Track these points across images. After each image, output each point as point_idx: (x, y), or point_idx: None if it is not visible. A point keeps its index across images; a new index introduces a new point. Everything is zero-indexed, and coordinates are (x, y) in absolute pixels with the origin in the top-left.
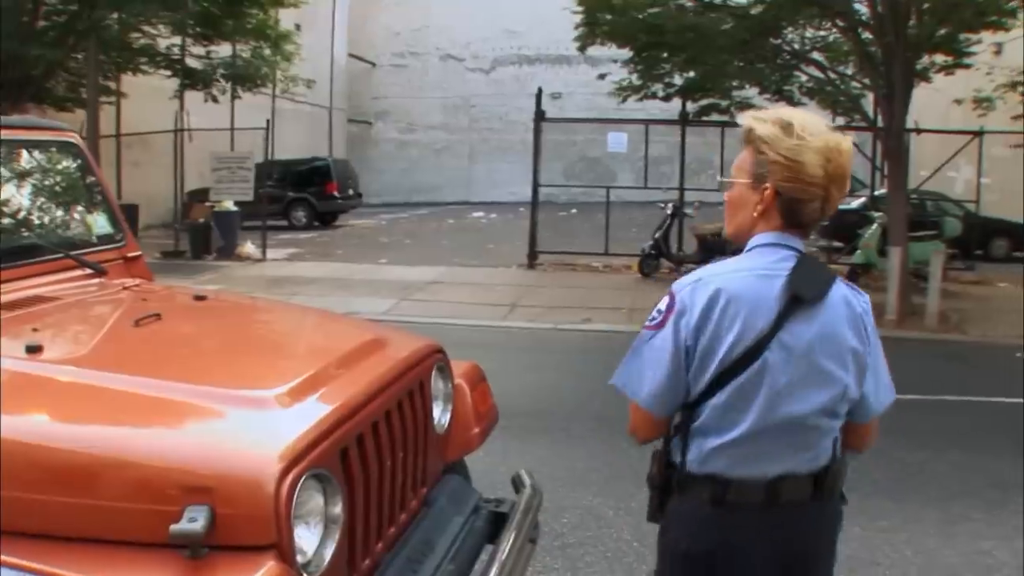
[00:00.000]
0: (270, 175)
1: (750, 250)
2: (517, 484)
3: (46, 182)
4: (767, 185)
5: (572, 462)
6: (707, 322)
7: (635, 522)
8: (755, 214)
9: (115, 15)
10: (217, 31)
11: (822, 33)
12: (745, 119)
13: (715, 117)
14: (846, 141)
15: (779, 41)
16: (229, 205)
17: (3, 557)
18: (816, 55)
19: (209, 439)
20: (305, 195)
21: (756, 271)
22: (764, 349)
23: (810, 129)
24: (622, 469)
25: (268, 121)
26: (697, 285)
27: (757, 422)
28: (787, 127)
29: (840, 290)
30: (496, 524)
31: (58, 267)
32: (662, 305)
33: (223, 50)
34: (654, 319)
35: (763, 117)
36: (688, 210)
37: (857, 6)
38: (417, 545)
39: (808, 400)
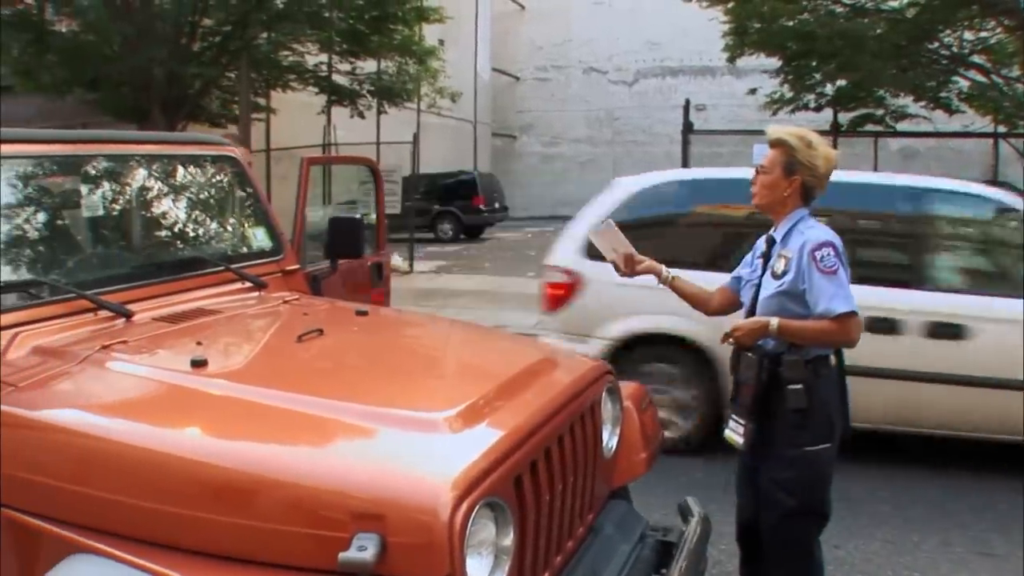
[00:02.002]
0: (417, 188)
1: (802, 219)
2: (685, 512)
3: (208, 196)
4: (796, 177)
5: (728, 485)
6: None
7: None
8: (785, 195)
9: (266, 35)
10: (363, 48)
11: (984, 34)
12: (776, 132)
13: (867, 128)
14: (834, 152)
15: (936, 45)
16: None
17: (162, 570)
18: (977, 58)
19: (379, 463)
20: (452, 208)
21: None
22: None
23: (819, 144)
24: None
25: (414, 135)
26: (834, 238)
27: None
28: (808, 143)
29: None
30: (663, 554)
31: (219, 280)
32: (831, 252)
33: (369, 66)
34: (834, 264)
35: (791, 132)
36: None
37: None
38: (584, 575)
39: None
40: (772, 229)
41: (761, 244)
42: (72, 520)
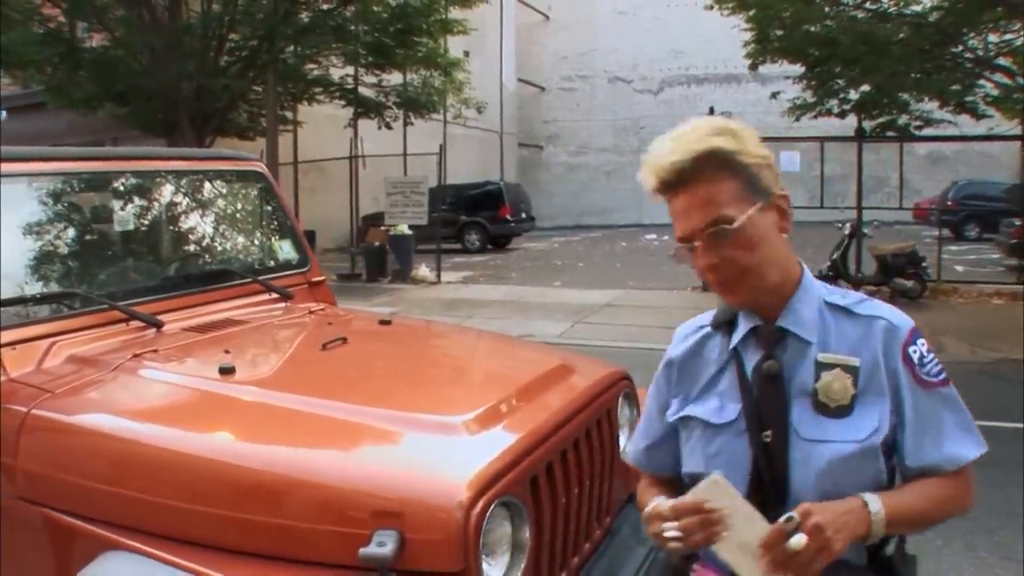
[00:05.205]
0: (443, 199)
1: (811, 282)
2: None
3: (234, 210)
4: (775, 191)
5: None
6: None
7: None
8: (786, 235)
9: (292, 48)
10: (389, 60)
11: (1009, 36)
12: (694, 144)
13: (891, 133)
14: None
15: (960, 48)
16: (404, 229)
17: (192, 566)
18: (1002, 61)
19: (398, 464)
20: (478, 219)
21: None
22: None
23: (742, 124)
24: None
25: (440, 146)
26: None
27: None
28: (732, 132)
29: None
30: (688, 559)
31: (247, 291)
32: (926, 345)
33: (394, 78)
34: (941, 369)
35: (709, 131)
36: (866, 230)
37: None
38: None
39: None
40: (738, 318)
41: (715, 347)
42: (106, 519)
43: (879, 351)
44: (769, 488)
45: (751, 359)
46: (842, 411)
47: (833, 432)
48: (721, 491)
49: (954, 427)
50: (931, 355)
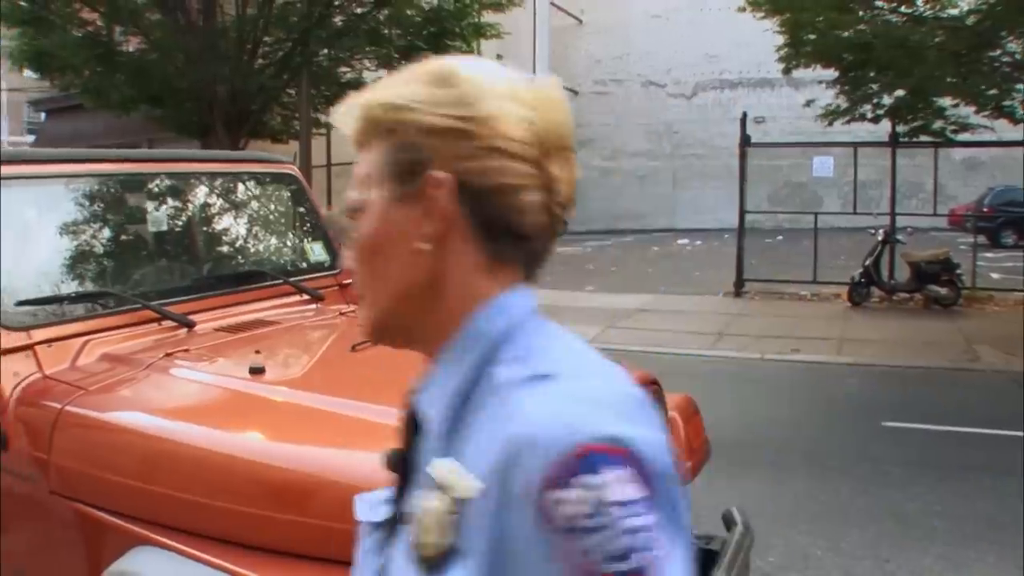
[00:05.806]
0: None
1: (516, 329)
2: (728, 521)
3: (267, 212)
4: (432, 174)
5: (779, 498)
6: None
7: (845, 563)
8: (425, 246)
9: (326, 51)
10: None
11: None
12: (358, 97)
13: (925, 139)
14: (558, 88)
15: (998, 52)
16: None
17: (220, 562)
18: None
19: None
20: None
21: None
22: None
23: (486, 69)
24: (832, 507)
25: None
26: (638, 424)
27: None
28: (442, 77)
29: None
30: (705, 562)
31: (278, 292)
32: (616, 496)
33: None
34: (652, 548)
35: (395, 81)
36: (900, 236)
37: None
38: None
39: None
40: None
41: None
42: (137, 515)
43: (495, 481)
44: None
45: None
46: (430, 566)
47: None
48: None
49: None
50: (625, 509)
